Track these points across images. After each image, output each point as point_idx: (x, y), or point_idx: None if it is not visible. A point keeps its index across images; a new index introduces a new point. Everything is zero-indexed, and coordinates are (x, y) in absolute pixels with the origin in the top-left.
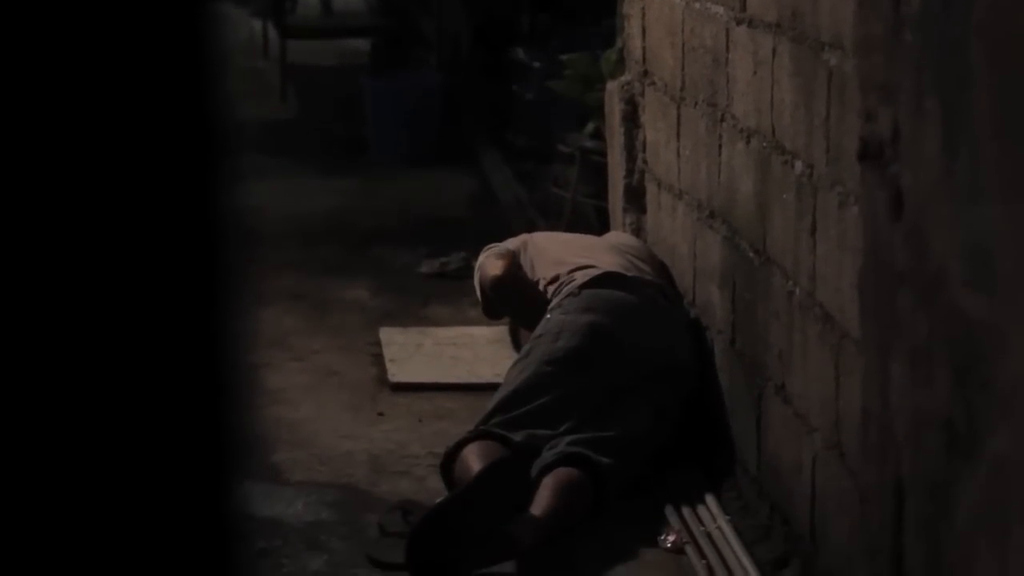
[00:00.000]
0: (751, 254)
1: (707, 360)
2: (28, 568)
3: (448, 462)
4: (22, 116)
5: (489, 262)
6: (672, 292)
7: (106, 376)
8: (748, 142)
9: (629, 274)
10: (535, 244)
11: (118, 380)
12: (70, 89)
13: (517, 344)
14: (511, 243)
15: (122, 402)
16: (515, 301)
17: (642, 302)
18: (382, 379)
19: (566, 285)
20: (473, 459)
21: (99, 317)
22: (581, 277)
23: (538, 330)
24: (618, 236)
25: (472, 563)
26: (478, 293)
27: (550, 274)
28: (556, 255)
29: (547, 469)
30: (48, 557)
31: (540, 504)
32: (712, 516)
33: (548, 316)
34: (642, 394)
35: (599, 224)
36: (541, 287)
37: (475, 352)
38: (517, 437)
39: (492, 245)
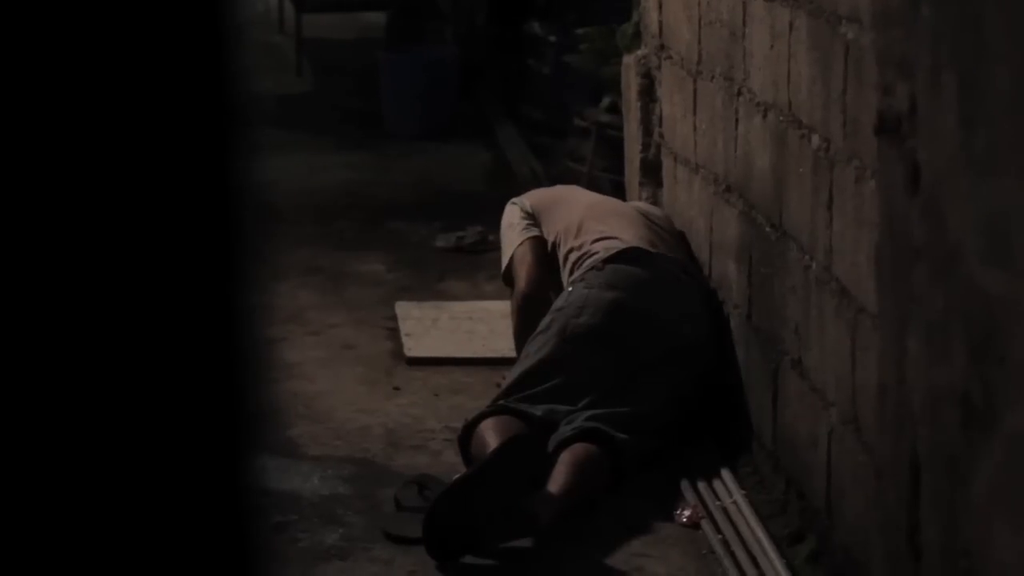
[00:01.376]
0: (767, 228)
1: (724, 334)
2: (46, 539)
3: (465, 436)
4: (41, 91)
5: (518, 267)
6: (692, 267)
7: (124, 351)
8: (765, 116)
9: (653, 250)
10: (560, 200)
11: (136, 355)
12: (90, 64)
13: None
14: (535, 198)
15: (140, 377)
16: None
17: (664, 280)
18: (398, 353)
19: (589, 257)
20: (491, 435)
21: (118, 292)
22: (604, 251)
23: (559, 302)
24: (642, 205)
25: (490, 539)
26: (504, 256)
27: (572, 242)
28: (579, 219)
29: (564, 444)
30: (65, 531)
31: (557, 480)
32: (728, 491)
33: (570, 289)
34: (660, 372)
35: (616, 198)
36: (561, 252)
37: (491, 326)
38: (536, 412)
39: (515, 200)
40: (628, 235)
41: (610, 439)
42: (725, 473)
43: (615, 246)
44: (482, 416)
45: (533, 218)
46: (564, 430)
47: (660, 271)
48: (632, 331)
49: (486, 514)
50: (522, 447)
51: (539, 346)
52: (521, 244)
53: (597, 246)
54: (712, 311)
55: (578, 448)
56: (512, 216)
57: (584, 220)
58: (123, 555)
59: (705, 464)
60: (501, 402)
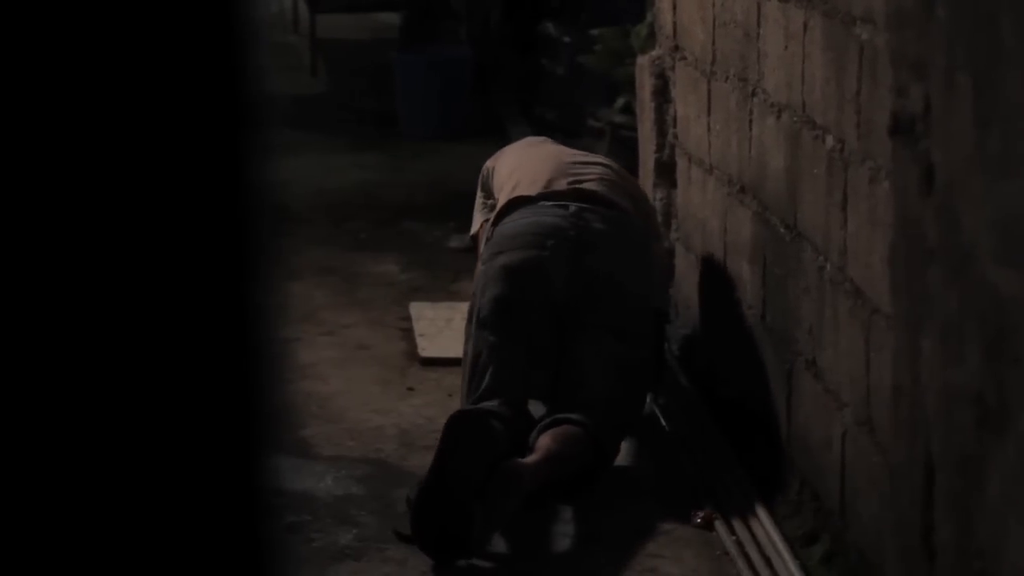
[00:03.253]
0: (782, 229)
1: (737, 329)
2: (59, 539)
3: None
4: (57, 91)
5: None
6: (638, 223)
7: (140, 351)
8: (779, 117)
9: (534, 194)
10: (506, 160)
11: (151, 355)
12: (107, 65)
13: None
14: (496, 160)
15: (155, 377)
16: None
17: (556, 223)
18: (412, 354)
19: (487, 234)
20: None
21: (133, 291)
22: (493, 215)
23: (473, 287)
24: (585, 154)
25: (484, 517)
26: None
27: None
28: (501, 181)
29: (542, 431)
30: (79, 531)
31: (540, 449)
32: (742, 492)
33: (476, 270)
34: (595, 326)
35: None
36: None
37: None
38: (490, 408)
39: (486, 164)
40: (529, 187)
41: (586, 424)
42: (739, 474)
43: (499, 205)
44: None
45: (488, 190)
46: (541, 424)
47: (550, 211)
48: (530, 288)
49: (463, 495)
50: (465, 420)
51: (467, 340)
52: (481, 225)
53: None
54: (658, 269)
55: (559, 428)
56: (479, 186)
57: (505, 181)
58: (138, 555)
59: (719, 465)
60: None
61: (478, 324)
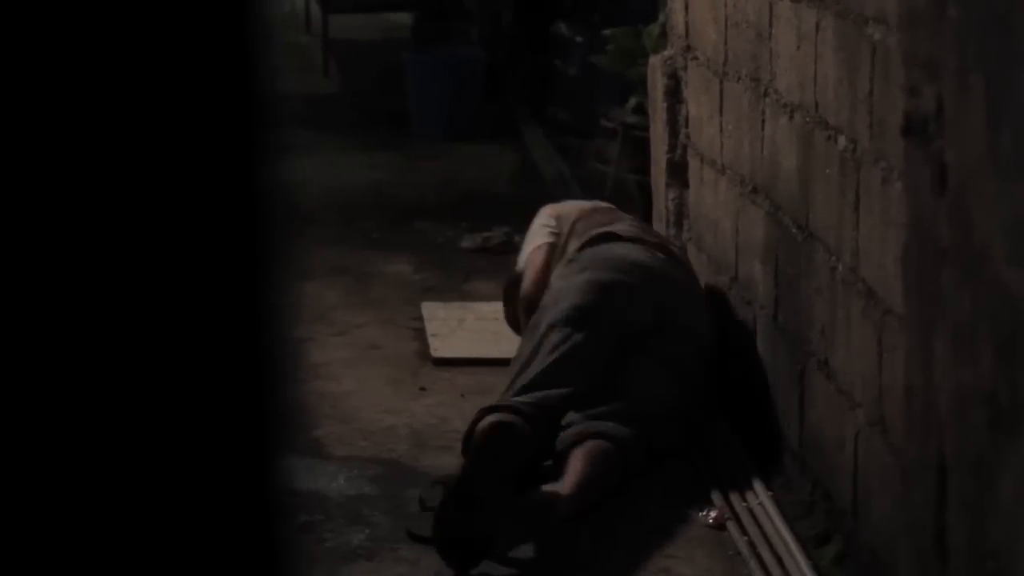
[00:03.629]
0: (794, 230)
1: (744, 335)
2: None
3: (467, 441)
4: (71, 91)
5: (527, 271)
6: (686, 264)
7: (152, 351)
8: (791, 117)
9: (627, 235)
10: (575, 210)
11: (164, 355)
12: (120, 65)
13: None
14: (561, 207)
15: (168, 377)
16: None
17: (643, 259)
18: (424, 354)
19: (569, 257)
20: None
21: (146, 292)
22: (578, 244)
23: (543, 301)
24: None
25: (506, 537)
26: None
27: (570, 243)
28: (574, 222)
29: (573, 444)
30: (91, 531)
31: (572, 475)
32: (754, 492)
33: (549, 287)
34: (653, 350)
35: (642, 199)
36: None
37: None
38: (526, 403)
39: (546, 206)
40: (618, 229)
41: (615, 436)
42: (751, 474)
43: (590, 235)
44: (478, 418)
45: (556, 223)
46: (570, 432)
47: (636, 250)
48: (611, 304)
49: (489, 508)
50: (506, 435)
51: (526, 340)
52: (535, 249)
53: (580, 240)
54: (707, 304)
55: (590, 444)
56: (537, 221)
57: (577, 222)
58: (151, 555)
59: (731, 465)
60: (495, 402)
61: (547, 324)
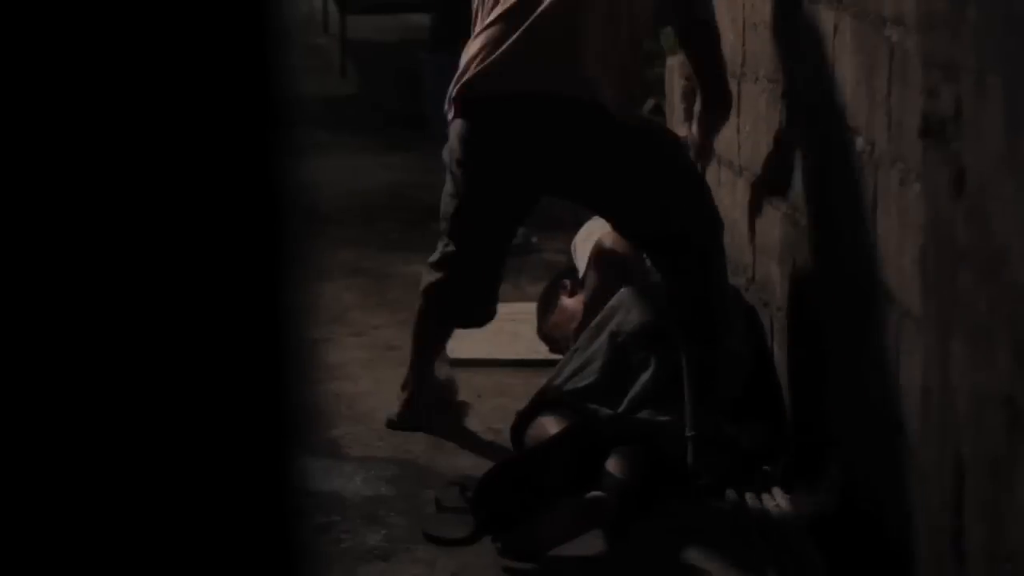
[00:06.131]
0: (811, 231)
1: (764, 337)
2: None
3: (521, 425)
4: (91, 91)
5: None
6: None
7: (171, 351)
8: (809, 119)
9: None
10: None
11: (182, 356)
12: (140, 66)
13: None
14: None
15: (186, 377)
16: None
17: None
18: (441, 355)
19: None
20: (551, 423)
21: (165, 292)
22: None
23: (615, 300)
24: None
25: (560, 531)
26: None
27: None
28: None
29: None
30: (109, 530)
31: (613, 485)
32: (771, 494)
33: (624, 288)
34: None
35: None
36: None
37: (534, 328)
38: (591, 407)
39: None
40: None
41: (663, 445)
42: (770, 476)
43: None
44: (539, 405)
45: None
46: (629, 432)
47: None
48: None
49: (538, 496)
50: (582, 437)
51: (589, 338)
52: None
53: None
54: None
55: (635, 455)
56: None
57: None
58: (168, 555)
59: (749, 466)
60: (557, 393)
61: (613, 331)
